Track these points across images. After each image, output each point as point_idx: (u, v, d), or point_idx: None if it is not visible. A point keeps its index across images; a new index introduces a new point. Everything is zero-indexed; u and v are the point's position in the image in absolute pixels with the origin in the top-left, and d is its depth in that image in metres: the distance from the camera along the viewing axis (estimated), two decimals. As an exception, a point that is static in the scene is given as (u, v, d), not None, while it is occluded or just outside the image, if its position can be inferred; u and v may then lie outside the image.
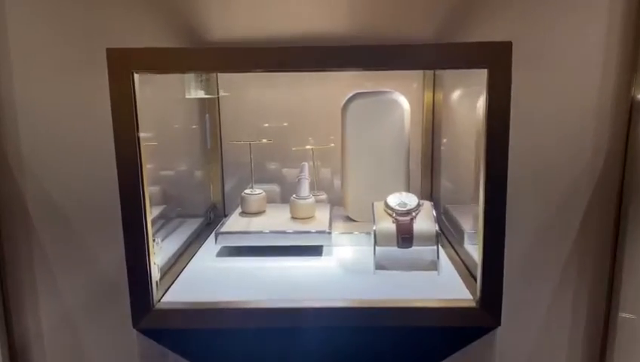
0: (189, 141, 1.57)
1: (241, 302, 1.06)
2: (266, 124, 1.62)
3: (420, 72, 1.58)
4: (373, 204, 1.26)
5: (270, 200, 1.57)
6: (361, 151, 1.43)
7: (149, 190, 1.01)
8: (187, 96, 1.49)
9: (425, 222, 1.19)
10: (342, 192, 1.51)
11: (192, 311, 1.06)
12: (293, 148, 1.53)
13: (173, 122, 1.50)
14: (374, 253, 1.19)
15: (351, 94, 1.44)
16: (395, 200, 1.22)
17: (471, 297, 1.08)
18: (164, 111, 1.43)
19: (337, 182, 1.60)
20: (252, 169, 1.46)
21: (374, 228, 1.20)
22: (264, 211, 1.47)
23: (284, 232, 1.31)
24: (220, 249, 1.36)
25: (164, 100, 1.44)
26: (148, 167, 1.02)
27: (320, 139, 1.60)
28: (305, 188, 1.41)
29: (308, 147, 1.54)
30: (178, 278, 1.19)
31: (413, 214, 1.19)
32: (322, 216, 1.42)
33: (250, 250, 1.32)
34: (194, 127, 1.59)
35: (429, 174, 1.67)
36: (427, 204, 1.24)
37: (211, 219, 1.61)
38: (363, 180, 1.44)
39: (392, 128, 1.42)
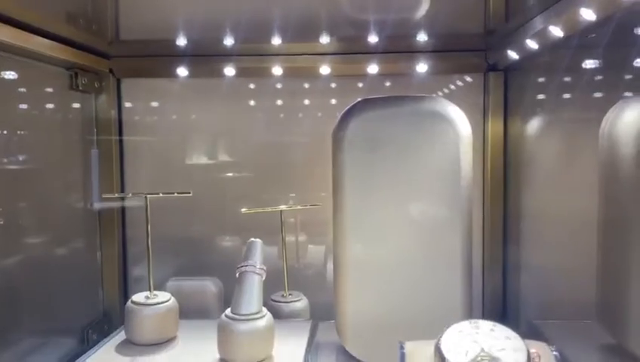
0: (54, 193, 0.84)
1: None
2: (199, 171, 0.91)
3: (475, 89, 0.89)
4: (402, 349, 0.50)
5: (200, 307, 0.82)
6: (373, 217, 0.69)
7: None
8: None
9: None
10: (334, 299, 0.76)
11: None
12: (244, 210, 0.80)
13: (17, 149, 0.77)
14: None
15: (354, 102, 0.72)
16: (464, 346, 0.46)
17: None
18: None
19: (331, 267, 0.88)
20: (149, 248, 0.71)
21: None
22: (173, 338, 0.71)
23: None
24: None
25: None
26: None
27: (299, 189, 0.88)
28: (252, 296, 0.65)
29: (274, 209, 0.81)
30: None
31: (520, 393, 0.42)
32: (290, 355, 0.66)
33: None
34: (66, 164, 0.87)
35: (496, 260, 0.92)
36: (546, 355, 0.48)
37: (89, 343, 0.85)
38: (376, 276, 0.69)
39: (436, 171, 0.69)
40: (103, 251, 0.90)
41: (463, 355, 0.44)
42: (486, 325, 0.48)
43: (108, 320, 0.91)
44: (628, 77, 0.72)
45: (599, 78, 0.77)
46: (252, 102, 0.94)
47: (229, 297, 0.91)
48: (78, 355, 0.75)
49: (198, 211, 0.93)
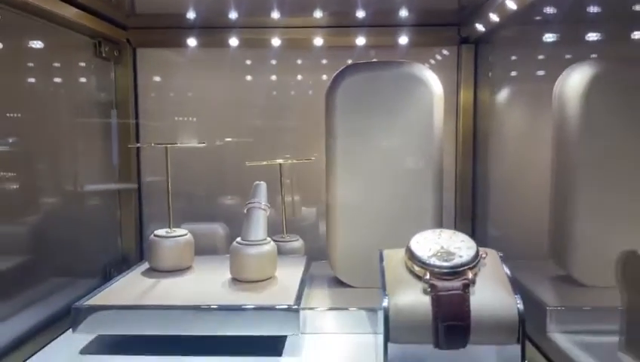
0: (77, 149, 0.95)
1: None
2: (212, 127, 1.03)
3: (450, 59, 1.01)
4: (381, 254, 0.64)
5: (210, 247, 0.94)
6: (360, 163, 0.82)
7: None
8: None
9: (494, 294, 0.56)
10: (327, 236, 0.89)
11: None
12: (248, 163, 0.92)
13: (47, 115, 0.89)
14: (385, 358, 0.55)
15: (343, 67, 0.84)
16: (428, 245, 0.59)
17: None
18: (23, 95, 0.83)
19: (322, 222, 0.99)
20: (169, 191, 0.84)
21: (384, 303, 0.56)
22: (189, 267, 0.84)
23: (206, 308, 0.67)
24: (95, 339, 0.72)
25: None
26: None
27: (294, 151, 1.00)
28: (259, 226, 0.78)
29: (272, 162, 0.93)
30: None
31: (470, 276, 0.56)
32: (290, 276, 0.79)
33: (145, 341, 0.68)
34: (90, 123, 0.99)
35: (466, 210, 1.05)
36: (493, 255, 0.61)
37: (111, 278, 0.98)
38: (362, 213, 0.82)
39: (413, 124, 0.82)
40: (122, 196, 1.03)
41: (427, 251, 0.57)
42: (447, 233, 0.61)
43: (126, 263, 1.03)
44: (576, 47, 0.85)
45: (553, 48, 0.90)
46: (253, 71, 1.06)
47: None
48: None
49: (204, 170, 1.05)
